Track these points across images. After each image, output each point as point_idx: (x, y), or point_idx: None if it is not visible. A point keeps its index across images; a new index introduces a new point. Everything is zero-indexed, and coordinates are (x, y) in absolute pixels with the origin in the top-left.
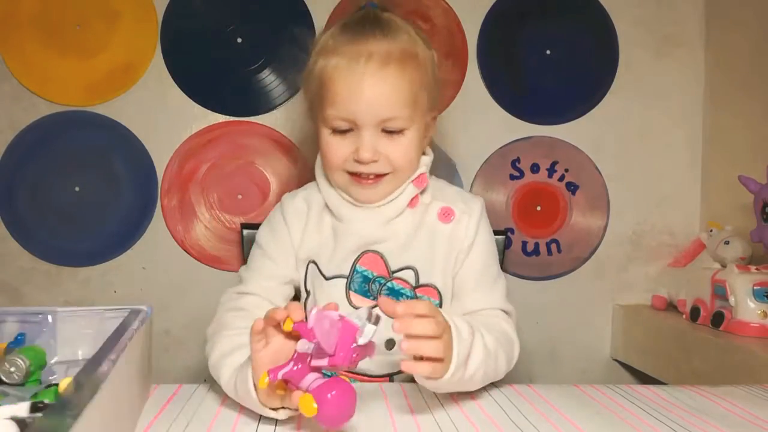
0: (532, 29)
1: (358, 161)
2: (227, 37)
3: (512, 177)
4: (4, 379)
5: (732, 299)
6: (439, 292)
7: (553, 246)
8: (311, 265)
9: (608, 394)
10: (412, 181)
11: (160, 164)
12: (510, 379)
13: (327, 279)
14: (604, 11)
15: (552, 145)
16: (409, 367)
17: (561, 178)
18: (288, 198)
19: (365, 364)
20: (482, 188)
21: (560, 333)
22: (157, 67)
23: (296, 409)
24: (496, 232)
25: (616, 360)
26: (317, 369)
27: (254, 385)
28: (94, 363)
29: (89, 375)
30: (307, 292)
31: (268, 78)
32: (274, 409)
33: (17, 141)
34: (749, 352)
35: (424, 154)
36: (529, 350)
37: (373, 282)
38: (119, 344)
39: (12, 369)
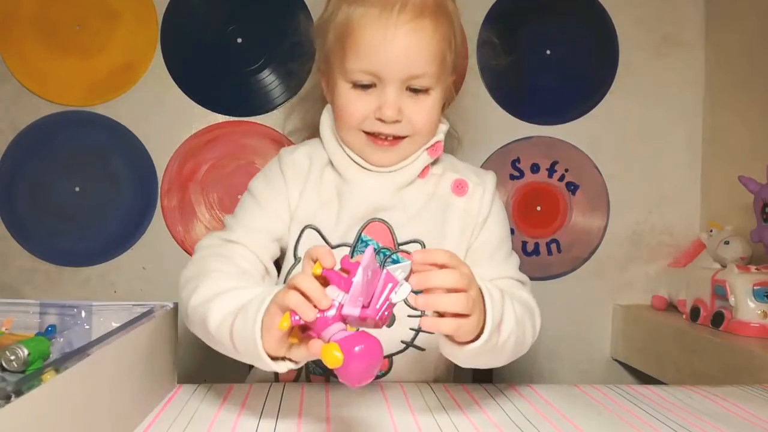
0: (532, 29)
1: (380, 119)
2: (227, 37)
3: (512, 177)
4: (5, 366)
5: (732, 299)
6: None
7: (553, 246)
8: (309, 231)
9: (608, 394)
10: (427, 149)
11: (160, 164)
12: (510, 379)
13: (332, 248)
14: (604, 11)
15: (552, 145)
16: (430, 324)
17: (561, 178)
18: (287, 152)
19: None
20: None
21: (560, 333)
22: (157, 67)
23: (297, 362)
24: None
25: (616, 360)
26: (344, 319)
27: (260, 329)
28: (67, 355)
29: (57, 365)
30: (297, 259)
31: (268, 78)
32: (274, 359)
33: (17, 141)
34: (749, 352)
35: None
36: (529, 350)
37: (377, 253)
38: (102, 339)
39: (12, 357)
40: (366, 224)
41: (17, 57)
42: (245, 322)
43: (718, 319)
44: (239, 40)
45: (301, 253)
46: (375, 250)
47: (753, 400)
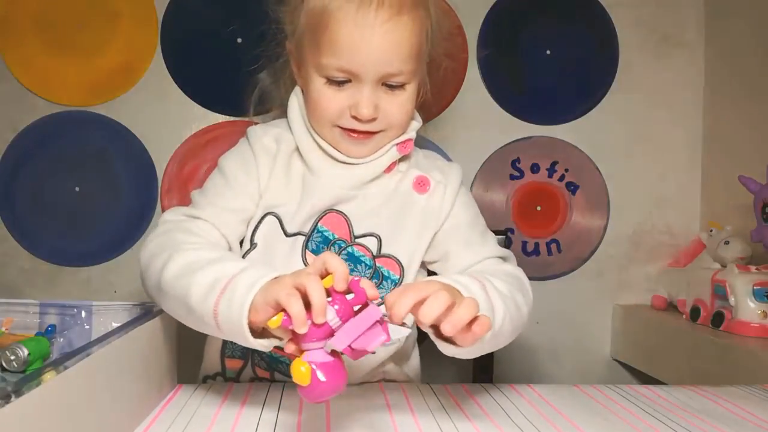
0: (532, 29)
1: (356, 118)
2: (227, 37)
3: (512, 177)
4: (5, 366)
5: (732, 299)
6: (401, 266)
7: (553, 246)
8: (269, 218)
9: (608, 394)
10: (397, 144)
11: (160, 164)
12: (510, 379)
13: (288, 236)
14: (604, 11)
15: (552, 145)
16: (467, 337)
17: (561, 178)
18: (256, 132)
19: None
20: (482, 188)
21: (560, 333)
22: (157, 67)
23: (276, 345)
24: (496, 232)
25: (616, 360)
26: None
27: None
28: (67, 355)
29: (53, 366)
30: (253, 245)
31: (269, 78)
32: (258, 337)
33: (17, 141)
34: (749, 352)
35: (413, 118)
36: (529, 350)
37: (333, 244)
38: (102, 339)
39: (12, 357)
40: (323, 215)
41: (17, 57)
42: (231, 304)
43: (718, 319)
44: (239, 40)
45: (258, 239)
46: (331, 241)
47: (753, 400)
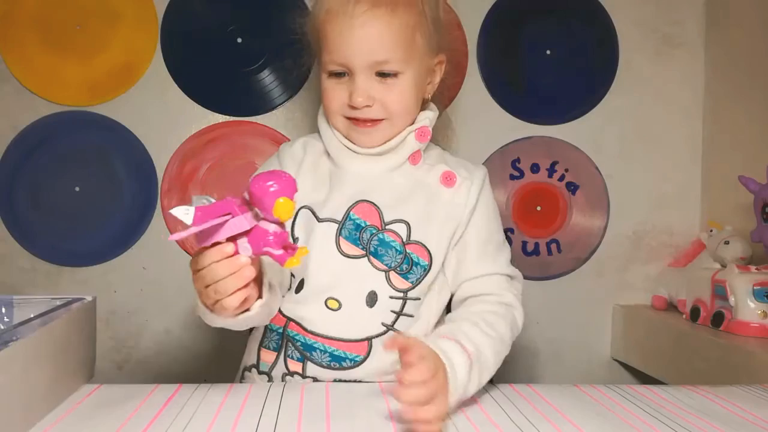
0: (532, 29)
1: (352, 106)
2: (227, 37)
3: (512, 177)
4: None
5: (732, 299)
6: (430, 253)
7: (553, 246)
8: (303, 211)
9: (608, 394)
10: (414, 132)
11: (160, 164)
12: (510, 379)
13: (320, 221)
14: (604, 11)
15: (552, 145)
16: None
17: (561, 178)
18: (285, 145)
19: (340, 331)
20: None
21: (560, 333)
22: (157, 67)
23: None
24: None
25: (616, 360)
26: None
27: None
28: None
29: None
30: (295, 239)
31: (268, 78)
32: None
33: (17, 141)
34: (749, 352)
35: (426, 108)
36: (529, 350)
37: (364, 231)
38: (14, 328)
39: None
40: (355, 204)
41: (17, 57)
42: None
43: (718, 319)
44: (239, 40)
45: (297, 233)
46: (363, 227)
47: (753, 400)
